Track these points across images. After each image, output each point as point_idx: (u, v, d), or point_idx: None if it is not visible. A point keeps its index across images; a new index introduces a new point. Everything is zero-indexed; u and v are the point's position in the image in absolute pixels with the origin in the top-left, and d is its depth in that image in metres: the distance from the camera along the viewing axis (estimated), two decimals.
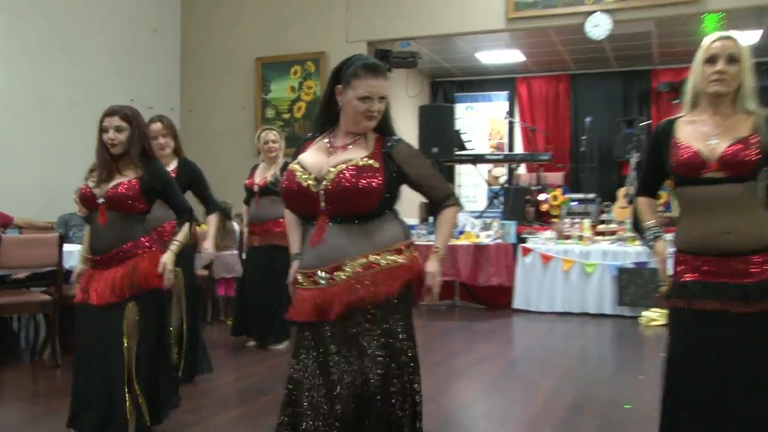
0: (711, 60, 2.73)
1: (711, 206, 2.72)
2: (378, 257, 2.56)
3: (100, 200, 3.67)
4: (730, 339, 2.70)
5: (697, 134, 2.77)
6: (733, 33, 2.80)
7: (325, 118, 2.74)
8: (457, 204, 2.74)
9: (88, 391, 3.64)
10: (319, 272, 2.58)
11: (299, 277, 2.66)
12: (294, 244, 2.78)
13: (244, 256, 6.82)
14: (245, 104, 10.32)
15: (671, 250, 2.85)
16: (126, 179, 3.69)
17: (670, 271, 2.86)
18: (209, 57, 10.42)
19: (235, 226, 7.58)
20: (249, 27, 10.26)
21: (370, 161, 2.58)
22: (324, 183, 2.56)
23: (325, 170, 2.59)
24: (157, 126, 4.81)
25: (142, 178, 3.71)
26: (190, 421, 4.10)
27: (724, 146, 2.70)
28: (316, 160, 2.64)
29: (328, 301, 2.55)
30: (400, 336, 2.57)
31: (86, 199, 3.73)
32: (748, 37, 10.14)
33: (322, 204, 2.57)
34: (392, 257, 2.58)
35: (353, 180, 2.53)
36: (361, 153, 2.61)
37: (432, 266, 2.65)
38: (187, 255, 4.75)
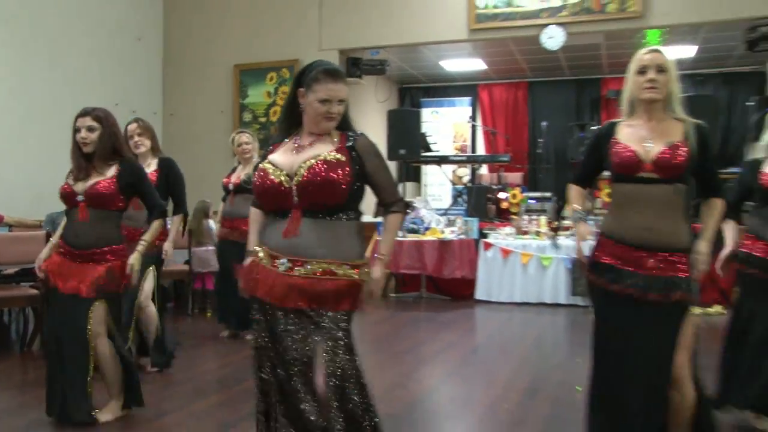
0: (642, 70, 2.84)
1: (641, 203, 2.82)
2: (337, 267, 2.55)
3: (80, 198, 3.66)
4: (635, 321, 2.81)
5: (635, 137, 2.86)
6: (660, 47, 2.90)
7: (290, 120, 2.72)
8: (402, 211, 2.75)
9: (55, 379, 3.72)
10: (282, 258, 2.56)
11: (260, 254, 2.63)
12: (252, 242, 2.76)
13: None
14: (224, 108, 10.25)
15: (591, 233, 3.00)
16: (104, 177, 3.69)
17: (585, 251, 3.02)
18: (190, 64, 10.34)
19: (212, 224, 7.53)
20: (227, 36, 10.21)
21: (338, 155, 2.57)
22: (296, 178, 2.55)
23: (296, 166, 2.57)
24: (132, 126, 4.90)
25: (119, 176, 3.71)
26: (169, 408, 4.07)
27: (658, 149, 2.80)
28: (286, 158, 2.63)
29: (278, 287, 2.53)
30: (343, 334, 2.56)
31: (67, 196, 3.73)
32: (684, 51, 10.39)
33: (295, 199, 2.56)
34: (350, 271, 2.57)
35: (324, 173, 2.52)
36: (328, 148, 2.60)
37: (377, 273, 2.66)
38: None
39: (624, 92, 2.95)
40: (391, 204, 2.72)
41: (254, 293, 2.62)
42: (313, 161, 2.55)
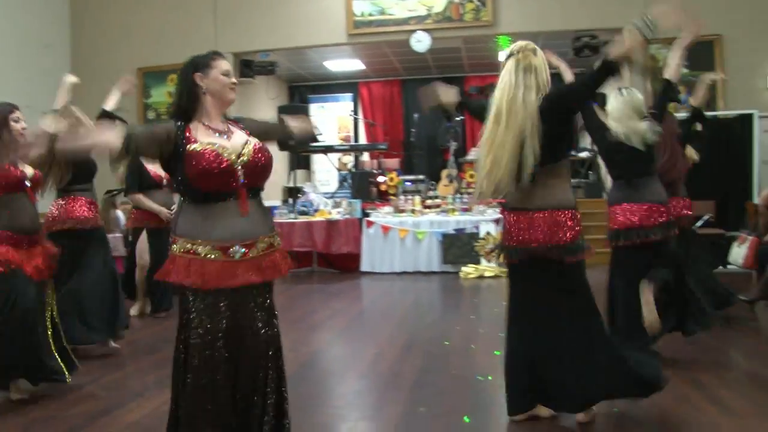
0: None
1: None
2: (273, 239, 2.48)
3: (28, 183, 3.52)
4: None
5: None
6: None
7: (184, 109, 2.47)
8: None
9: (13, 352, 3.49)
10: (236, 246, 2.36)
11: (208, 250, 2.35)
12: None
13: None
14: (129, 108, 9.83)
15: None
16: (27, 167, 3.61)
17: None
18: (97, 68, 9.86)
19: (119, 213, 7.28)
20: (131, 42, 9.92)
21: (256, 139, 2.51)
22: (243, 159, 2.39)
23: (239, 148, 2.42)
24: None
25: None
26: (84, 381, 3.92)
27: None
28: (219, 141, 2.43)
29: (235, 273, 2.36)
30: (271, 301, 2.52)
31: (17, 181, 3.46)
32: None
33: (241, 179, 2.38)
34: (278, 240, 2.51)
35: (265, 154, 2.46)
36: (244, 133, 2.52)
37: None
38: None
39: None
40: (287, 130, 2.74)
41: (210, 286, 2.34)
42: (251, 143, 2.45)
